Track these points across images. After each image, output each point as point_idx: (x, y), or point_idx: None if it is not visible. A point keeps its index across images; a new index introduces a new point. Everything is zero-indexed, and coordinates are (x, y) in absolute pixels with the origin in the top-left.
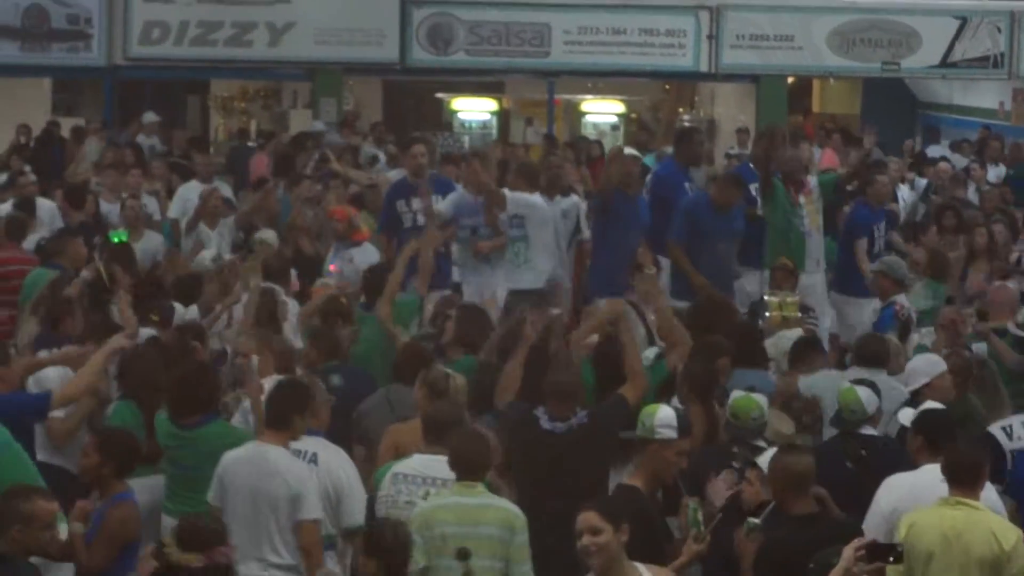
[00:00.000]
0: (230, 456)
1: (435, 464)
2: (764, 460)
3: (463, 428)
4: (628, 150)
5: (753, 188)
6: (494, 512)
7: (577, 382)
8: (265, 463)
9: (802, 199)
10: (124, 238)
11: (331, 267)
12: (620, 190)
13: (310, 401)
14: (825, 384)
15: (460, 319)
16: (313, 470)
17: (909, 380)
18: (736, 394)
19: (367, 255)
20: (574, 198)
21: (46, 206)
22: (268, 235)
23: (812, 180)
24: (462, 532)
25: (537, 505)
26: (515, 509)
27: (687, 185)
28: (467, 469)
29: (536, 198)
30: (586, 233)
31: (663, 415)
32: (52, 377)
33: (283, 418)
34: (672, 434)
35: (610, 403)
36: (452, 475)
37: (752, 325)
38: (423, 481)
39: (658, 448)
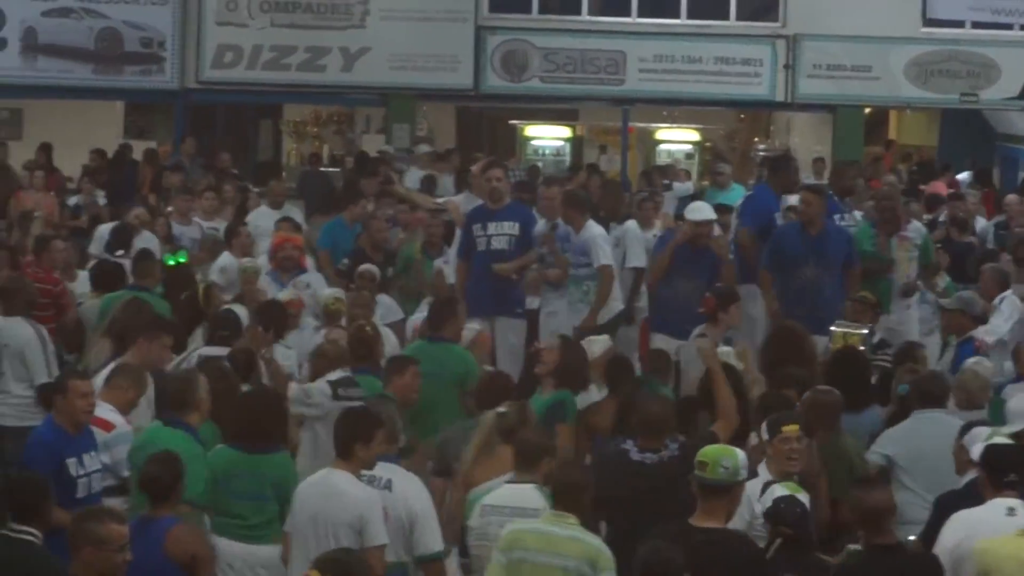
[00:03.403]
0: (303, 484)
1: (525, 493)
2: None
3: (558, 457)
4: (701, 212)
5: (836, 218)
6: (579, 546)
7: (667, 414)
8: (330, 488)
9: (894, 243)
10: (182, 259)
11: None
12: (687, 248)
13: (378, 429)
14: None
15: (565, 352)
16: (386, 496)
17: (1014, 421)
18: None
19: (320, 280)
20: (628, 225)
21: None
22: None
23: (913, 228)
24: (540, 560)
25: (628, 538)
26: (603, 547)
27: (778, 215)
28: (567, 499)
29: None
30: (636, 261)
31: (742, 457)
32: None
33: (347, 448)
34: (746, 474)
35: (702, 439)
36: (542, 505)
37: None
38: (511, 512)
39: (740, 489)
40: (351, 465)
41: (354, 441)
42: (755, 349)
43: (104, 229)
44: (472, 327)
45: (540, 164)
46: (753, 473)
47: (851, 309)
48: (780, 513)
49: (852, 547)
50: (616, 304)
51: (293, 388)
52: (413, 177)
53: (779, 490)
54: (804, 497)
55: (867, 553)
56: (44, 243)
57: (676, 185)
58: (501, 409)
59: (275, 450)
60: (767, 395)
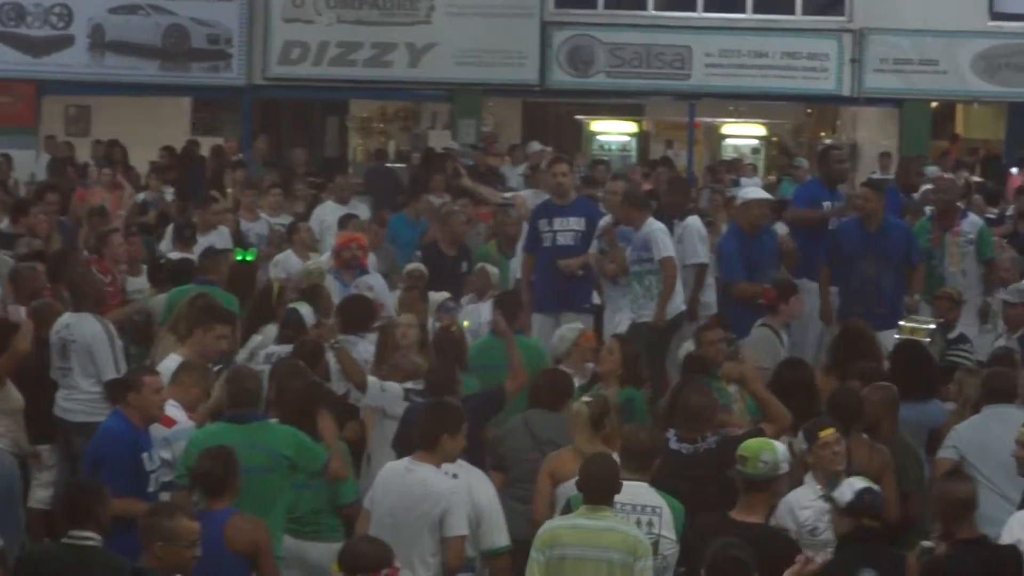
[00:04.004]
0: (384, 470)
1: (642, 491)
2: (839, 492)
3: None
4: (755, 192)
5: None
6: (618, 536)
7: (709, 405)
8: (413, 479)
9: (947, 238)
10: (250, 257)
11: None
12: (749, 237)
13: (463, 423)
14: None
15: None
16: (464, 486)
17: None
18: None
19: (381, 282)
20: (689, 221)
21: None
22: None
23: (968, 222)
24: (582, 555)
25: None
26: (640, 535)
27: (827, 204)
28: (596, 492)
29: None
30: (697, 258)
31: (783, 451)
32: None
33: (434, 439)
34: (787, 468)
35: (747, 434)
36: (660, 502)
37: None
38: (621, 508)
39: (781, 483)
40: (435, 457)
41: (442, 432)
42: (804, 343)
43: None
44: (575, 327)
45: (608, 160)
46: (797, 482)
47: (940, 306)
48: (866, 504)
49: (925, 544)
50: (678, 303)
51: (371, 382)
52: (515, 173)
53: (859, 482)
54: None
55: (952, 546)
56: (104, 238)
57: (744, 181)
58: (587, 399)
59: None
60: (837, 391)
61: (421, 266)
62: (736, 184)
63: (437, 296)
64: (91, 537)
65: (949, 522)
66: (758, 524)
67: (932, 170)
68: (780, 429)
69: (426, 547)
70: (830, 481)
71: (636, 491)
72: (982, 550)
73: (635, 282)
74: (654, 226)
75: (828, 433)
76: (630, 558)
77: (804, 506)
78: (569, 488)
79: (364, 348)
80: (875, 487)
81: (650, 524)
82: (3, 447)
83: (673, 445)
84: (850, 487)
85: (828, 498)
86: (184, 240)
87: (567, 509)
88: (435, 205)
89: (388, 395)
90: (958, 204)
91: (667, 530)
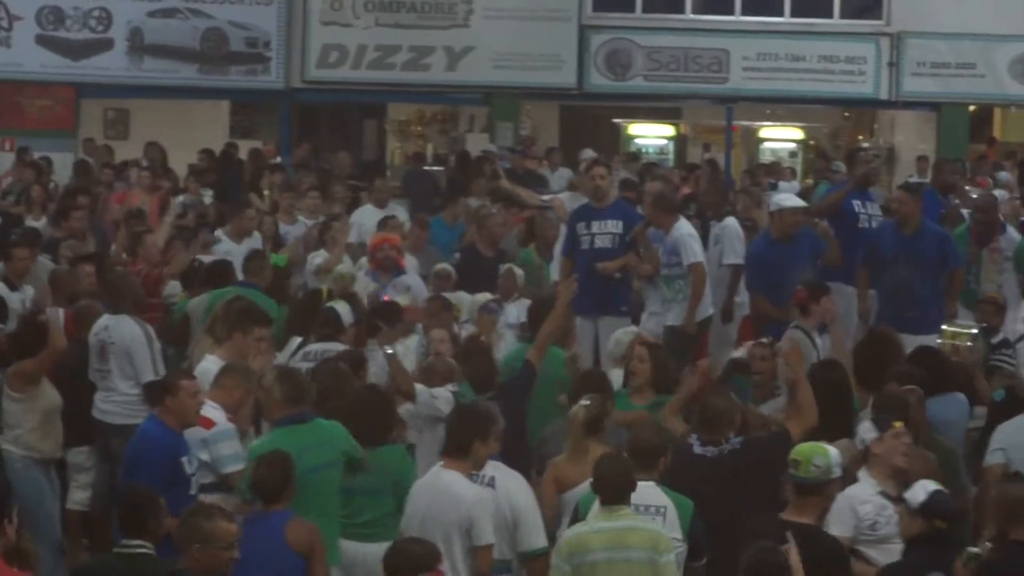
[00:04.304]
0: (417, 481)
1: (648, 491)
2: (911, 493)
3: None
4: (789, 200)
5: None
6: (640, 535)
7: (729, 408)
8: (440, 489)
9: (984, 254)
10: (282, 263)
11: (385, 298)
12: (779, 241)
13: (494, 427)
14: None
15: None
16: (491, 494)
17: None
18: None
19: (420, 284)
20: (727, 222)
21: None
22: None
23: (1006, 239)
24: (611, 557)
25: None
26: (660, 530)
27: (857, 203)
28: (611, 492)
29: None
30: (734, 259)
31: (835, 454)
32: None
33: (464, 445)
34: (840, 471)
35: (771, 434)
36: (666, 502)
37: (934, 350)
38: (634, 509)
39: (833, 487)
40: (464, 464)
41: (474, 438)
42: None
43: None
44: (630, 330)
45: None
46: (852, 479)
47: (985, 311)
48: (938, 506)
49: (972, 550)
50: (706, 307)
51: (419, 389)
52: (560, 179)
53: (931, 484)
54: None
55: (1005, 548)
56: (137, 239)
57: (782, 184)
58: (585, 402)
59: (383, 444)
60: (885, 394)
61: (448, 266)
62: (773, 188)
63: (479, 297)
64: (143, 545)
65: (1005, 524)
66: (809, 525)
67: (1004, 176)
68: (806, 428)
69: (455, 555)
70: (892, 477)
71: (642, 491)
72: None
73: (664, 285)
74: (683, 231)
75: (900, 424)
76: (654, 554)
77: (864, 501)
78: (575, 494)
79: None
80: (944, 490)
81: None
82: (26, 454)
83: (697, 450)
84: (923, 488)
85: (890, 496)
86: (205, 244)
87: (576, 514)
88: (472, 208)
89: (440, 401)
90: (998, 220)
91: (672, 529)
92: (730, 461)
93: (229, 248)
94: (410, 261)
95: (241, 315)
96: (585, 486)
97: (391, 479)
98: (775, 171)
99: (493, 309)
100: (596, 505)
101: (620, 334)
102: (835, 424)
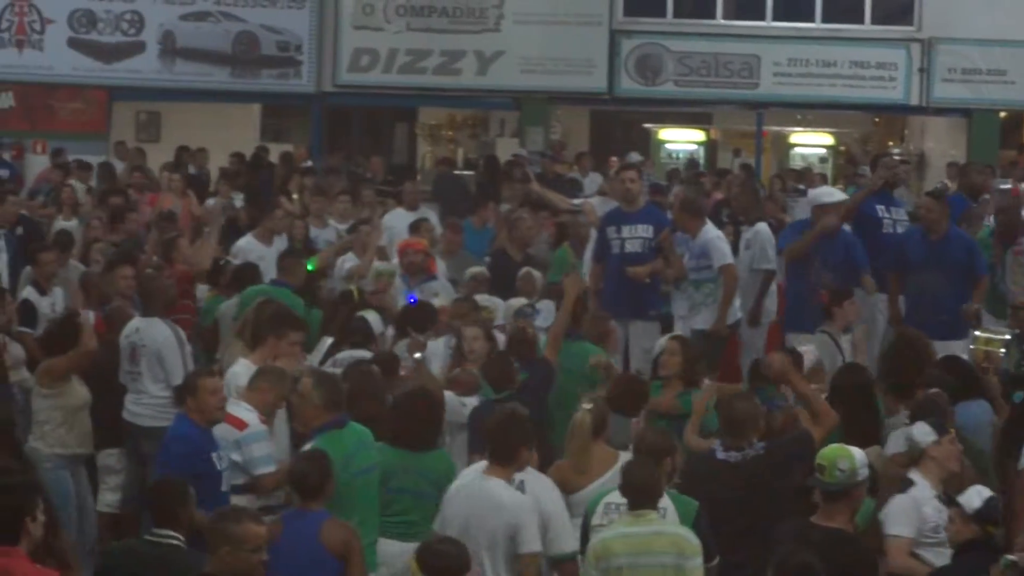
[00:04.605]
0: (454, 486)
1: None
2: (965, 498)
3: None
4: (829, 195)
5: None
6: (666, 539)
7: (751, 413)
8: (484, 496)
9: (1009, 255)
10: (311, 267)
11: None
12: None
13: (533, 434)
14: None
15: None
16: (533, 499)
17: None
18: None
19: (448, 289)
20: (759, 227)
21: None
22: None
23: None
24: (635, 563)
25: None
26: (687, 533)
27: (881, 208)
28: (638, 497)
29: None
30: (765, 264)
31: (860, 457)
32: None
33: (511, 453)
34: (866, 472)
35: (794, 437)
36: (668, 504)
37: (959, 356)
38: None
39: (861, 490)
40: (506, 471)
41: (521, 445)
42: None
43: (237, 247)
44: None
45: (678, 168)
46: (892, 480)
47: (1014, 316)
48: (992, 512)
49: (1009, 557)
50: (735, 311)
51: (448, 396)
52: (592, 184)
53: (985, 490)
54: None
55: None
56: (170, 244)
57: (811, 191)
58: (587, 406)
59: (435, 447)
60: (923, 400)
61: (483, 270)
62: (802, 193)
63: (513, 302)
64: (173, 536)
65: None
66: (839, 529)
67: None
68: (828, 430)
69: (498, 561)
70: (945, 481)
71: None
72: None
73: (692, 288)
74: (711, 234)
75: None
76: (680, 558)
77: (926, 503)
78: (580, 497)
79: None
80: (996, 496)
81: None
82: (53, 452)
83: (720, 455)
84: (978, 494)
85: (949, 500)
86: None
87: (586, 518)
88: (502, 212)
89: (468, 410)
90: (1020, 221)
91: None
92: (753, 466)
93: (259, 251)
94: (441, 266)
95: (275, 319)
96: (591, 489)
97: (438, 484)
98: (805, 177)
99: (528, 313)
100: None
101: (665, 340)
102: (860, 427)
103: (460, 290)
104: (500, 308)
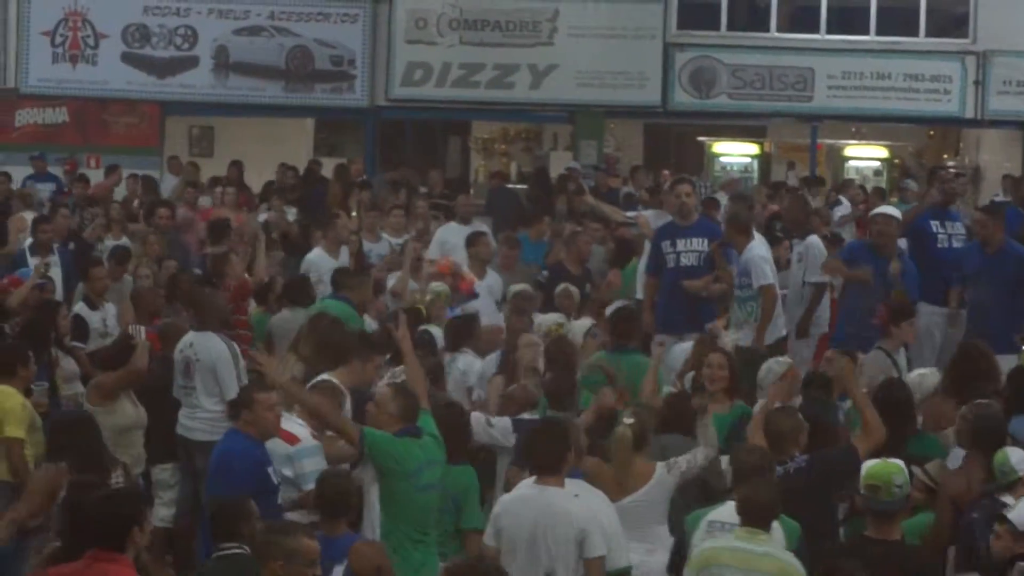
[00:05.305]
0: (508, 498)
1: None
2: (1015, 514)
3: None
4: (886, 210)
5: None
6: (774, 563)
7: (793, 426)
8: (548, 504)
9: None
10: None
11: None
12: (870, 250)
13: (578, 440)
14: None
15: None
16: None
17: None
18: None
19: (490, 306)
20: (810, 240)
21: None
22: None
23: None
24: None
25: None
26: (796, 564)
27: (935, 223)
28: (755, 516)
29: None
30: (817, 276)
31: (904, 467)
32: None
33: (557, 462)
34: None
35: (838, 451)
36: (774, 525)
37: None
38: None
39: (908, 501)
40: (559, 479)
41: (566, 452)
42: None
43: (308, 261)
44: (783, 360)
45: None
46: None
47: None
48: None
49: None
50: (778, 328)
51: (476, 417)
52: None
53: None
54: None
55: None
56: (223, 260)
57: (841, 199)
58: (629, 420)
59: (458, 463)
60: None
61: (528, 288)
62: (838, 203)
63: (583, 322)
64: (239, 547)
65: None
66: (897, 541)
67: None
68: (875, 444)
69: (570, 568)
70: None
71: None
72: None
73: (736, 306)
74: (754, 252)
75: None
76: None
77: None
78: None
79: (465, 363)
80: None
81: None
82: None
83: None
84: None
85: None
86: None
87: (686, 537)
88: (559, 226)
89: (496, 430)
90: None
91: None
92: (795, 479)
93: (328, 263)
94: (496, 280)
95: (363, 343)
96: (626, 502)
97: (455, 499)
98: (844, 187)
99: (597, 335)
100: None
101: (772, 363)
102: (892, 443)
103: (505, 307)
104: (573, 327)
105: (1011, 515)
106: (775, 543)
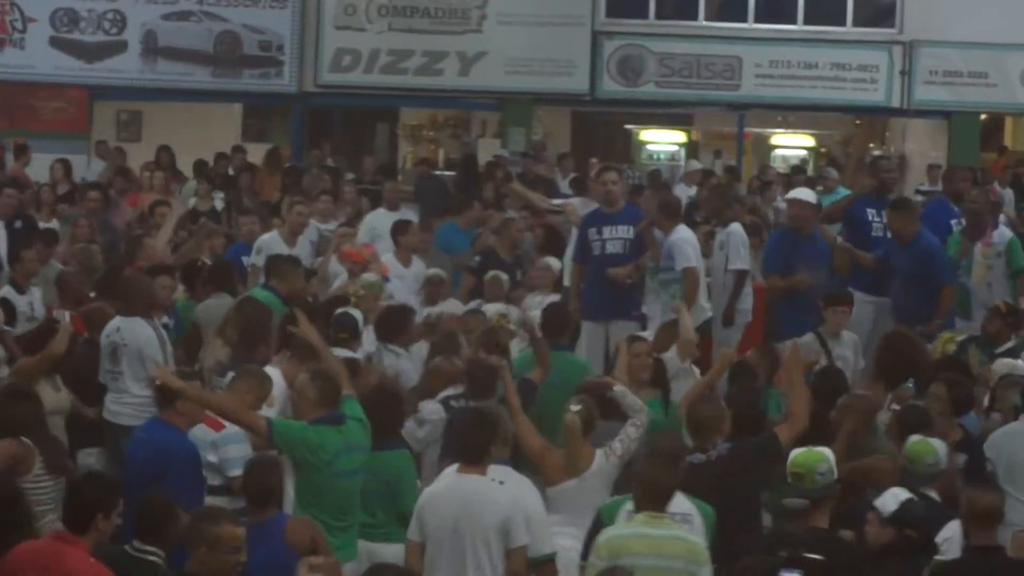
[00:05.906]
0: (429, 491)
1: (675, 499)
2: (881, 501)
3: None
4: (801, 193)
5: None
6: (682, 544)
7: (716, 415)
8: (471, 494)
9: (976, 250)
10: None
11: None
12: (793, 232)
13: (506, 431)
14: None
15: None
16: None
17: None
18: (913, 438)
19: (401, 289)
20: (732, 227)
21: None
22: None
23: (998, 234)
24: (651, 564)
25: None
26: (701, 543)
27: (871, 212)
28: (654, 499)
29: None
30: (738, 264)
31: (830, 455)
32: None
33: (481, 452)
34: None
35: (760, 438)
36: (690, 508)
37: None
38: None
39: (835, 489)
40: (482, 469)
41: (490, 444)
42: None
43: (262, 241)
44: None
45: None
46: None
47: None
48: (909, 516)
49: (940, 559)
50: (704, 310)
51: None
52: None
53: (903, 493)
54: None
55: (967, 553)
56: (136, 242)
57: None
58: (576, 407)
59: (392, 447)
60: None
61: (441, 272)
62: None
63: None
64: (155, 553)
65: (973, 529)
66: (826, 530)
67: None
68: (795, 434)
69: (493, 557)
70: None
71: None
72: (997, 558)
73: (663, 289)
74: (679, 235)
75: None
76: (694, 565)
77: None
78: (562, 491)
79: (389, 360)
80: (916, 498)
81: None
82: None
83: (686, 457)
84: (894, 497)
85: (868, 504)
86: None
87: (599, 521)
88: (486, 213)
89: (425, 429)
90: (989, 216)
91: (699, 536)
92: (719, 467)
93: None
94: (421, 268)
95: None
96: (570, 485)
97: (388, 482)
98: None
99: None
100: (627, 507)
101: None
102: (824, 430)
103: (419, 292)
104: (515, 315)
105: (877, 503)
106: (693, 527)
